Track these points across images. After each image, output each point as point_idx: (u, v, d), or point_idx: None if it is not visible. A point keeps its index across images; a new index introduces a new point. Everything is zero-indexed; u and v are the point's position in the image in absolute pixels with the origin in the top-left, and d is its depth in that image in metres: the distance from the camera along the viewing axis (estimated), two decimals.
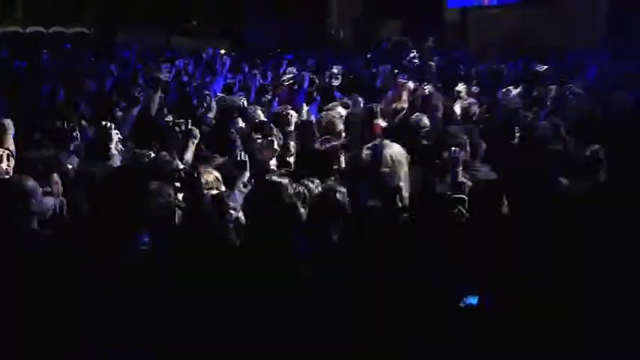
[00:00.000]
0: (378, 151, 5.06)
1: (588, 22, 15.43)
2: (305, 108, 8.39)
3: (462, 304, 3.29)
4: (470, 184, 4.56)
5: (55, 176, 4.75)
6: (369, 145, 5.52)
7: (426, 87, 8.62)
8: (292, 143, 6.37)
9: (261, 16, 19.14)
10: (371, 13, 20.22)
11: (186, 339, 3.25)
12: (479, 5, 19.11)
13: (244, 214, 4.11)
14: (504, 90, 8.87)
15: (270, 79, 10.71)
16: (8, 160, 5.17)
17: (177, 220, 4.21)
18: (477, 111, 7.77)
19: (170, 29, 17.57)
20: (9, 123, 5.47)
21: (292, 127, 6.83)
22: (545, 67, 10.68)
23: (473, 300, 3.26)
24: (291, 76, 10.14)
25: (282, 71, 11.08)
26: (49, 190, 4.52)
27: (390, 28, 19.30)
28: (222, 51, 12.20)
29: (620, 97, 7.87)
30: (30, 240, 3.79)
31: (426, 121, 6.57)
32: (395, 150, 5.14)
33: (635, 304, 3.25)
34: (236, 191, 4.62)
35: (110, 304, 3.33)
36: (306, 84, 9.13)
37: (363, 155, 5.22)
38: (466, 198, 4.20)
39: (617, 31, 14.66)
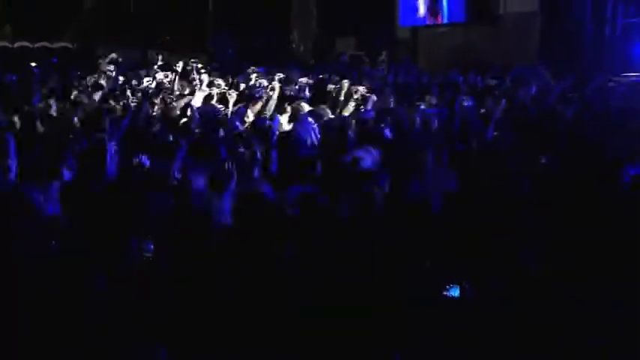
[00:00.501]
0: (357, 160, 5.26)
1: (526, 40, 15.80)
2: (279, 118, 8.25)
3: (445, 294, 3.27)
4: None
5: (56, 185, 4.69)
6: (349, 153, 5.73)
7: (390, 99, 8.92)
8: (274, 153, 6.25)
9: (228, 31, 19.17)
10: (329, 29, 20.40)
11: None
12: (428, 24, 19.26)
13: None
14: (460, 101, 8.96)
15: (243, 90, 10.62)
16: None
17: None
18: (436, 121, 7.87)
19: (145, 44, 17.62)
20: None
21: (274, 138, 6.79)
22: (495, 81, 11.13)
23: (454, 291, 3.24)
24: (262, 87, 10.25)
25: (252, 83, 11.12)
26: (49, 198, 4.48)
27: (347, 43, 19.57)
28: (199, 65, 12.47)
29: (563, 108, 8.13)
30: (31, 246, 3.70)
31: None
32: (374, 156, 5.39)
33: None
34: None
35: (111, 309, 3.26)
36: (276, 95, 9.18)
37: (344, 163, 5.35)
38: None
39: (550, 50, 15.03)
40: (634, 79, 12.34)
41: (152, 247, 3.52)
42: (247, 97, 9.77)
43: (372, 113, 8.20)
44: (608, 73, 12.23)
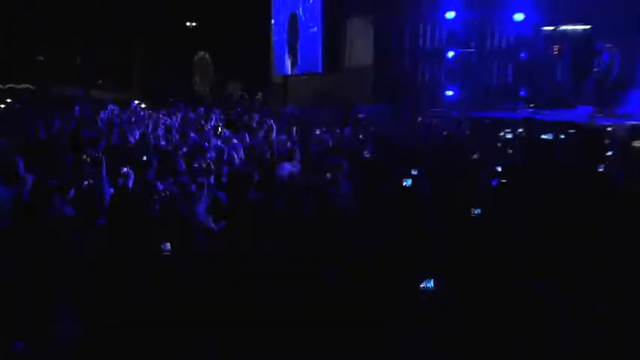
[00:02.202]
0: None
1: (363, 86, 16.36)
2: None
3: (421, 287, 2.88)
4: None
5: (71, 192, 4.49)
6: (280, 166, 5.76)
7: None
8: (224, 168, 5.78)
9: (149, 75, 19.61)
10: (221, 75, 21.09)
11: None
12: (295, 73, 19.92)
13: None
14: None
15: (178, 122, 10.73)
16: None
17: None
18: None
19: (86, 85, 17.90)
20: None
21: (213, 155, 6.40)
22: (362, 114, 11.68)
23: (429, 283, 2.87)
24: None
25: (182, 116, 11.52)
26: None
27: (235, 86, 20.16)
28: (136, 101, 13.21)
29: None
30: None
31: None
32: None
33: None
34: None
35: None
36: (212, 123, 9.77)
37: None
38: None
39: (380, 93, 15.51)
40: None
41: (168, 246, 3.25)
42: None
43: (284, 136, 8.47)
44: (424, 109, 13.19)
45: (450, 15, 14.28)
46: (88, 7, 19.35)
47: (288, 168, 5.37)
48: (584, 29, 13.38)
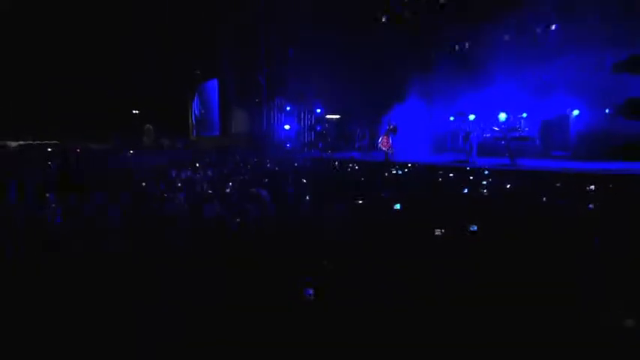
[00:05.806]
0: None
1: (244, 144, 19.33)
2: None
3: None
4: None
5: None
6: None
7: None
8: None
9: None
10: (159, 135, 23.90)
11: None
12: (204, 135, 23.13)
13: None
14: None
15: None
16: None
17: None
18: None
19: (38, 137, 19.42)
20: None
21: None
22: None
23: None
24: None
25: None
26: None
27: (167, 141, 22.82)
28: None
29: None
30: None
31: None
32: None
33: None
34: None
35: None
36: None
37: None
38: None
39: (253, 147, 18.67)
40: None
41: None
42: None
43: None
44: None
45: (288, 108, 20.04)
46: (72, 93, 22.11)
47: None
48: (338, 117, 20.51)
